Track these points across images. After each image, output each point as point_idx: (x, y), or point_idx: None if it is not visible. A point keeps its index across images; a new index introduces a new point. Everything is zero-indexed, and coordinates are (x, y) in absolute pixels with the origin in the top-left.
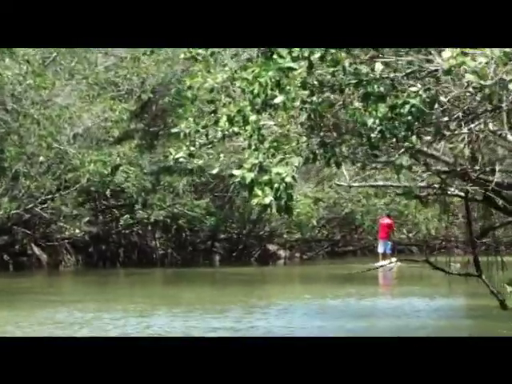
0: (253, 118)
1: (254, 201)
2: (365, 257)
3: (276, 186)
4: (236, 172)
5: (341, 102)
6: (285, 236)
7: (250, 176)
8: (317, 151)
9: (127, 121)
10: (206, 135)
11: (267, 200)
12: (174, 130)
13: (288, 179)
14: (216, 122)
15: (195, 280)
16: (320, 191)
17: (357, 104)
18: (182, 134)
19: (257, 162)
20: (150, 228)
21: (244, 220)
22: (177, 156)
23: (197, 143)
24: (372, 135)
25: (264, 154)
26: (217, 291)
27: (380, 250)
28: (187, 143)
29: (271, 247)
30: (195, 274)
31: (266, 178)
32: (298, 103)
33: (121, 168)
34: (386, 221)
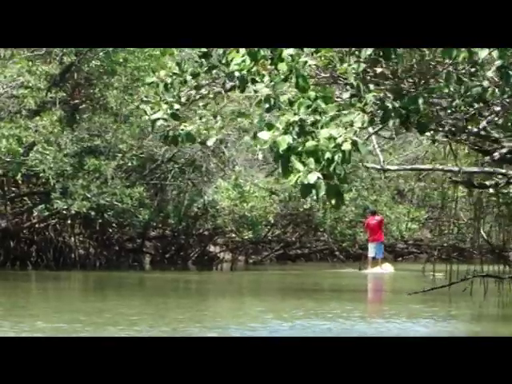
0: (289, 51)
1: (291, 179)
2: (324, 262)
3: (327, 155)
4: (264, 135)
5: None
6: (233, 235)
7: (285, 141)
8: (389, 105)
9: (45, 89)
10: (197, 87)
11: (312, 177)
12: (148, 80)
13: (346, 146)
14: (212, 67)
15: (117, 287)
16: (274, 182)
17: None
18: (160, 87)
19: (296, 119)
20: (69, 222)
21: (180, 214)
22: (154, 116)
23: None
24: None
25: (308, 108)
26: (137, 302)
27: (370, 254)
28: (167, 99)
29: (212, 248)
30: (119, 279)
31: (310, 143)
32: None
33: (35, 147)
34: (376, 219)
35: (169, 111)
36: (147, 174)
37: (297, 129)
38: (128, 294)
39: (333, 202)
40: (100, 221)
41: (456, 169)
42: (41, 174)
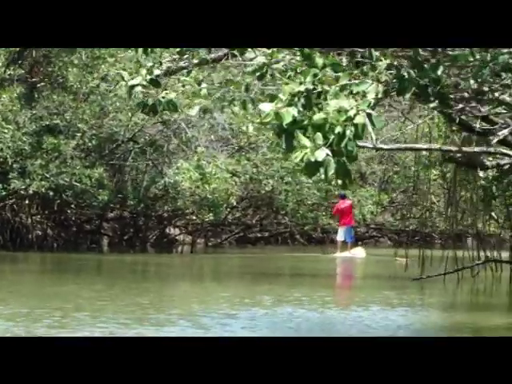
0: None
1: (296, 156)
2: (284, 245)
3: (338, 130)
4: (265, 106)
5: None
6: (193, 217)
7: (289, 114)
8: (406, 74)
9: (3, 66)
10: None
11: (320, 154)
12: None
13: (359, 120)
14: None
15: (76, 271)
16: (235, 163)
17: None
18: (138, 51)
19: (302, 89)
20: (27, 202)
21: (139, 196)
22: (132, 82)
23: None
24: None
25: (315, 76)
26: (98, 286)
27: (339, 237)
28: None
29: (171, 231)
30: (78, 261)
31: (318, 116)
32: None
33: None
34: (346, 203)
35: (148, 77)
36: (107, 154)
37: (302, 100)
38: (88, 278)
39: (340, 181)
40: (58, 201)
41: (455, 148)
42: None
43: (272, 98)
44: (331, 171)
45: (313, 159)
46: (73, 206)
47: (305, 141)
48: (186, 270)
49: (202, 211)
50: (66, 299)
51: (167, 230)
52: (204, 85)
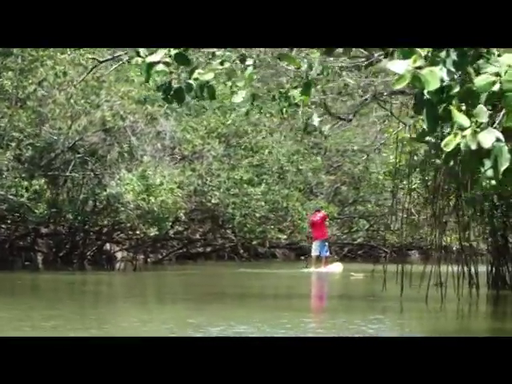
0: None
1: (449, 141)
2: (231, 261)
3: None
4: (398, 65)
5: None
6: (137, 232)
7: (434, 76)
8: None
9: None
10: None
11: (487, 138)
12: None
13: None
14: None
15: (10, 289)
16: (179, 174)
17: None
18: None
19: None
20: None
21: (77, 209)
22: (151, 59)
23: None
24: None
25: None
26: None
27: (314, 252)
28: None
29: (110, 247)
30: (10, 281)
31: (483, 79)
32: None
33: None
34: (319, 215)
35: (172, 51)
36: (44, 164)
37: (454, 56)
38: (20, 297)
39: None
40: None
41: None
42: None
43: (406, 53)
44: (505, 163)
45: (474, 146)
46: (8, 220)
47: (461, 118)
48: (130, 289)
49: (145, 225)
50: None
51: (106, 247)
52: (250, 61)
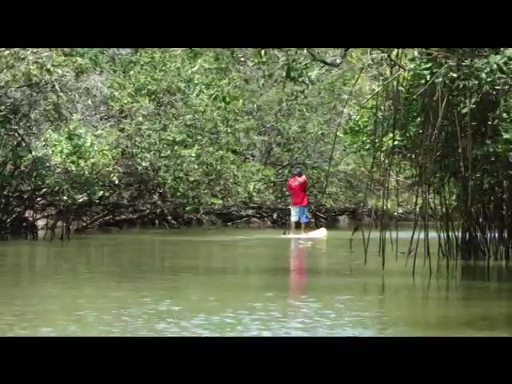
0: None
1: None
2: (161, 228)
3: None
4: None
5: None
6: (64, 198)
7: None
8: None
9: None
10: None
11: None
12: None
13: None
14: None
15: None
16: (108, 134)
17: None
18: None
19: None
20: None
21: None
22: None
23: None
24: None
25: None
26: None
27: (293, 218)
28: None
29: (28, 214)
30: None
31: None
32: None
33: None
34: (299, 180)
35: None
36: None
37: None
38: None
39: None
40: None
41: None
42: None
43: None
44: None
45: None
46: None
47: None
48: (63, 262)
49: (73, 190)
50: None
51: (26, 214)
52: None
